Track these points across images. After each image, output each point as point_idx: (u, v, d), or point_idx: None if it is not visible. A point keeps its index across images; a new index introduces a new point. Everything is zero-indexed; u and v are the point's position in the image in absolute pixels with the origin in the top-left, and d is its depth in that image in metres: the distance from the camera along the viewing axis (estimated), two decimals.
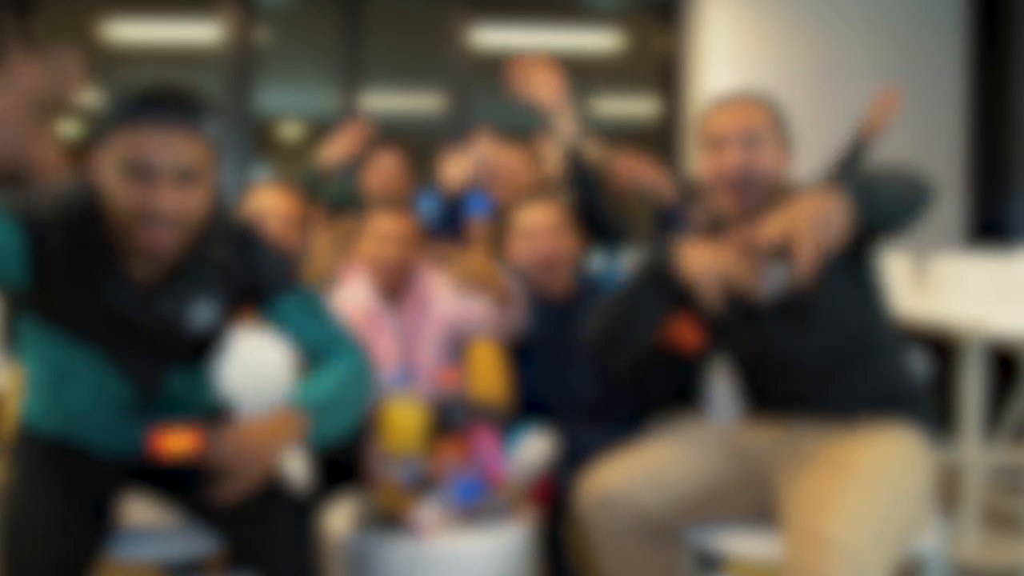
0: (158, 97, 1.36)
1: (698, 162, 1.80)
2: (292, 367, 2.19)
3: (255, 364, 2.15)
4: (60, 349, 1.52)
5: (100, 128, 1.37)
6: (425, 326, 2.43)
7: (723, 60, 4.11)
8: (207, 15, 4.27)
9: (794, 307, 1.69)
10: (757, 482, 1.70)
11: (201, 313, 1.54)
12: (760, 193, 1.70)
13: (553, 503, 2.06)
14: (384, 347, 2.42)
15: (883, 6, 4.14)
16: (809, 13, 4.12)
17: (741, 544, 1.68)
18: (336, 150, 3.19)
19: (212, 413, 1.73)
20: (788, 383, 1.74)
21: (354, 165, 3.31)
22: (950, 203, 4.16)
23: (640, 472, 1.70)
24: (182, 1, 4.34)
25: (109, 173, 1.36)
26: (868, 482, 1.49)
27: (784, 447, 1.71)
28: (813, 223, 1.43)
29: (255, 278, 1.57)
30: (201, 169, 1.39)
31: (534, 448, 2.11)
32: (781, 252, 1.49)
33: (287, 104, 6.35)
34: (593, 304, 1.96)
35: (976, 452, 2.87)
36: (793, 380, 1.73)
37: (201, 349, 1.61)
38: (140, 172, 1.35)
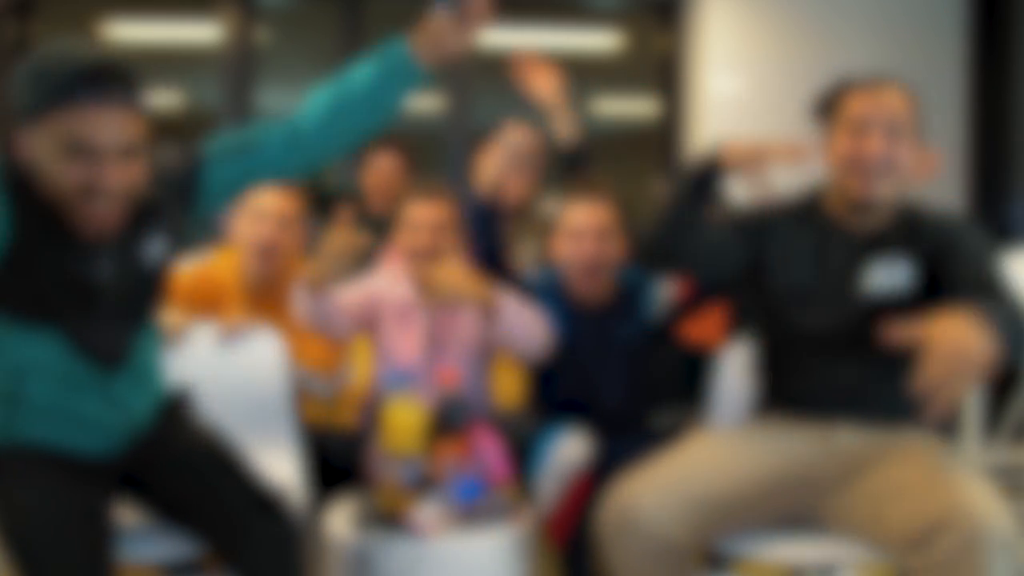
0: (92, 74, 1.33)
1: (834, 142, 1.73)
2: (283, 364, 2.18)
3: (246, 366, 2.15)
4: (16, 343, 1.47)
5: (30, 105, 1.35)
6: (456, 327, 2.39)
7: (723, 60, 4.11)
8: (207, 15, 4.26)
9: (898, 307, 1.64)
10: (789, 489, 1.65)
11: (152, 250, 1.55)
12: (893, 186, 1.68)
13: (588, 506, 2.04)
14: (410, 340, 2.39)
15: (883, 6, 4.13)
16: (809, 13, 4.12)
17: (749, 544, 1.67)
18: None
19: (168, 394, 1.72)
20: (850, 376, 1.70)
21: (352, 164, 3.30)
22: (950, 203, 4.16)
23: (664, 489, 1.63)
24: (182, 1, 4.34)
25: (45, 151, 1.36)
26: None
27: (826, 453, 1.67)
28: (954, 367, 1.28)
29: (177, 182, 1.57)
30: (140, 142, 1.40)
31: (572, 448, 2.10)
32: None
33: (287, 104, 6.34)
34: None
35: (976, 452, 2.87)
36: (857, 373, 1.70)
37: (154, 286, 1.59)
38: (84, 151, 1.34)
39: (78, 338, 1.49)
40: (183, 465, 1.63)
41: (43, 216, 1.42)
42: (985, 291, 1.52)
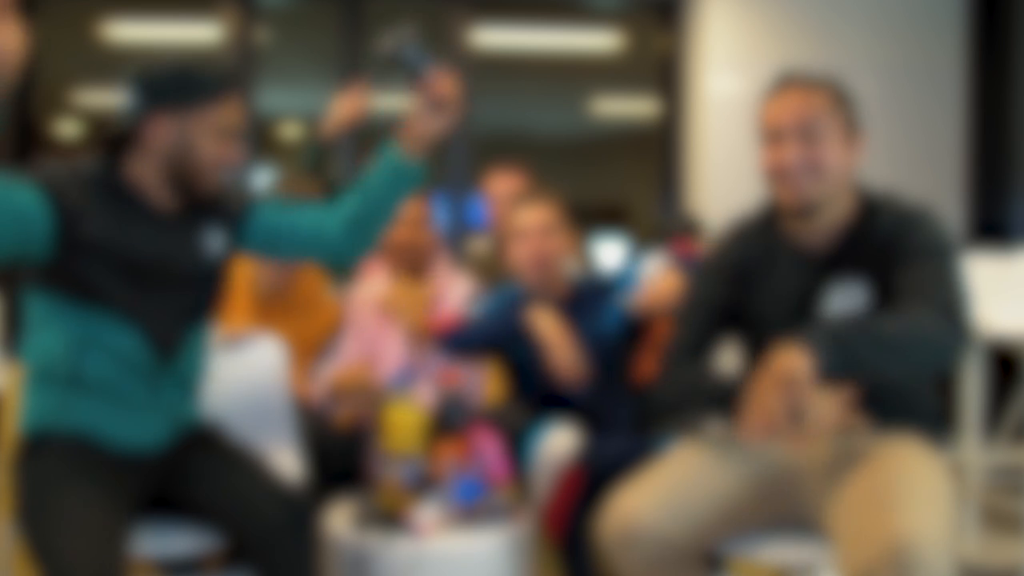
0: (227, 74, 1.66)
1: (760, 155, 1.70)
2: (284, 375, 2.19)
3: (247, 378, 2.15)
4: (80, 319, 1.60)
5: (191, 99, 1.62)
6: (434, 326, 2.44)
7: (723, 60, 4.11)
8: (207, 15, 4.26)
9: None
10: (780, 492, 1.66)
11: (213, 241, 1.73)
12: (824, 185, 1.63)
13: (579, 498, 2.05)
14: (394, 338, 2.43)
15: (883, 6, 4.13)
16: (809, 13, 4.12)
17: (748, 546, 1.68)
18: (338, 115, 3.12)
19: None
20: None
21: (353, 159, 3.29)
22: (950, 203, 4.16)
23: (661, 498, 1.63)
24: (182, 1, 4.34)
25: (204, 135, 1.64)
26: (925, 487, 1.49)
27: (809, 457, 1.67)
28: (776, 396, 1.42)
29: (231, 202, 1.78)
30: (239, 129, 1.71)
31: (558, 441, 2.11)
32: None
33: (287, 104, 6.35)
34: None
35: (976, 452, 2.87)
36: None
37: (214, 281, 1.76)
38: (231, 134, 1.66)
39: (138, 317, 1.63)
40: (212, 465, 1.71)
41: (121, 195, 1.63)
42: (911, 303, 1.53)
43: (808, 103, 1.64)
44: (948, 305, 1.52)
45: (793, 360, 1.42)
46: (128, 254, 1.61)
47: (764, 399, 1.44)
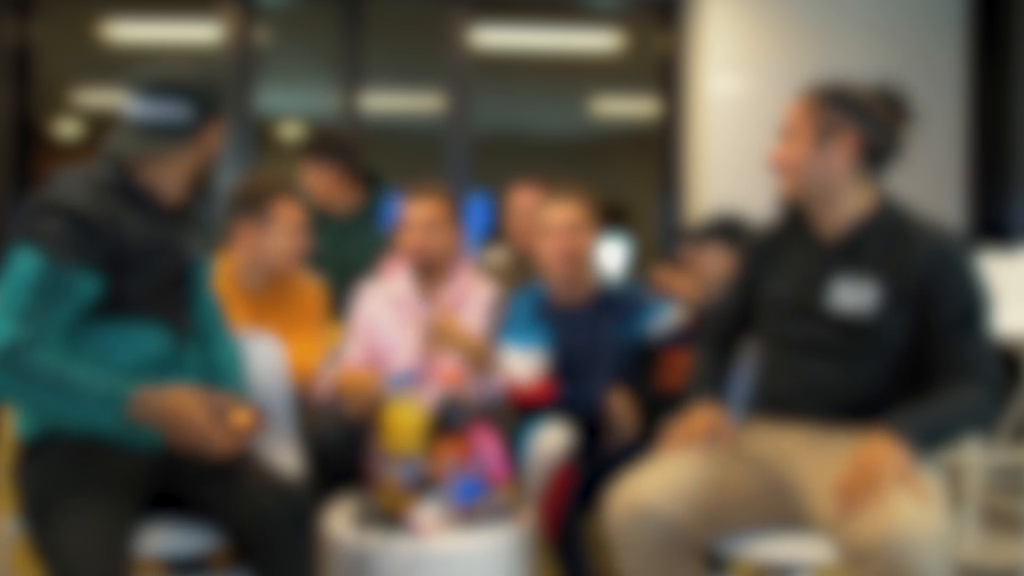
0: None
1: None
2: (284, 369, 2.18)
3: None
4: (102, 331, 1.61)
5: (221, 106, 1.74)
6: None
7: (723, 60, 4.11)
8: (207, 15, 4.26)
9: (853, 332, 1.70)
10: (783, 487, 1.68)
11: (191, 242, 1.81)
12: (792, 181, 1.77)
13: (571, 495, 2.05)
14: (408, 338, 2.41)
15: (883, 7, 4.13)
16: (809, 13, 4.11)
17: (748, 546, 1.68)
18: None
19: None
20: (825, 377, 1.74)
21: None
22: (950, 203, 4.16)
23: (669, 483, 1.66)
24: (182, 1, 4.34)
25: (220, 141, 1.78)
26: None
27: (806, 452, 1.69)
28: (869, 482, 1.50)
29: (200, 230, 1.86)
30: None
31: (553, 438, 2.12)
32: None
33: (287, 104, 6.35)
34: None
35: (976, 452, 2.87)
36: (833, 375, 1.73)
37: (191, 273, 1.82)
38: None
39: (156, 308, 1.68)
40: (213, 463, 1.70)
41: (135, 197, 1.69)
42: (957, 365, 1.67)
43: (791, 109, 1.80)
44: (992, 378, 1.68)
45: (888, 455, 1.51)
46: (152, 252, 1.66)
47: (849, 478, 1.52)
